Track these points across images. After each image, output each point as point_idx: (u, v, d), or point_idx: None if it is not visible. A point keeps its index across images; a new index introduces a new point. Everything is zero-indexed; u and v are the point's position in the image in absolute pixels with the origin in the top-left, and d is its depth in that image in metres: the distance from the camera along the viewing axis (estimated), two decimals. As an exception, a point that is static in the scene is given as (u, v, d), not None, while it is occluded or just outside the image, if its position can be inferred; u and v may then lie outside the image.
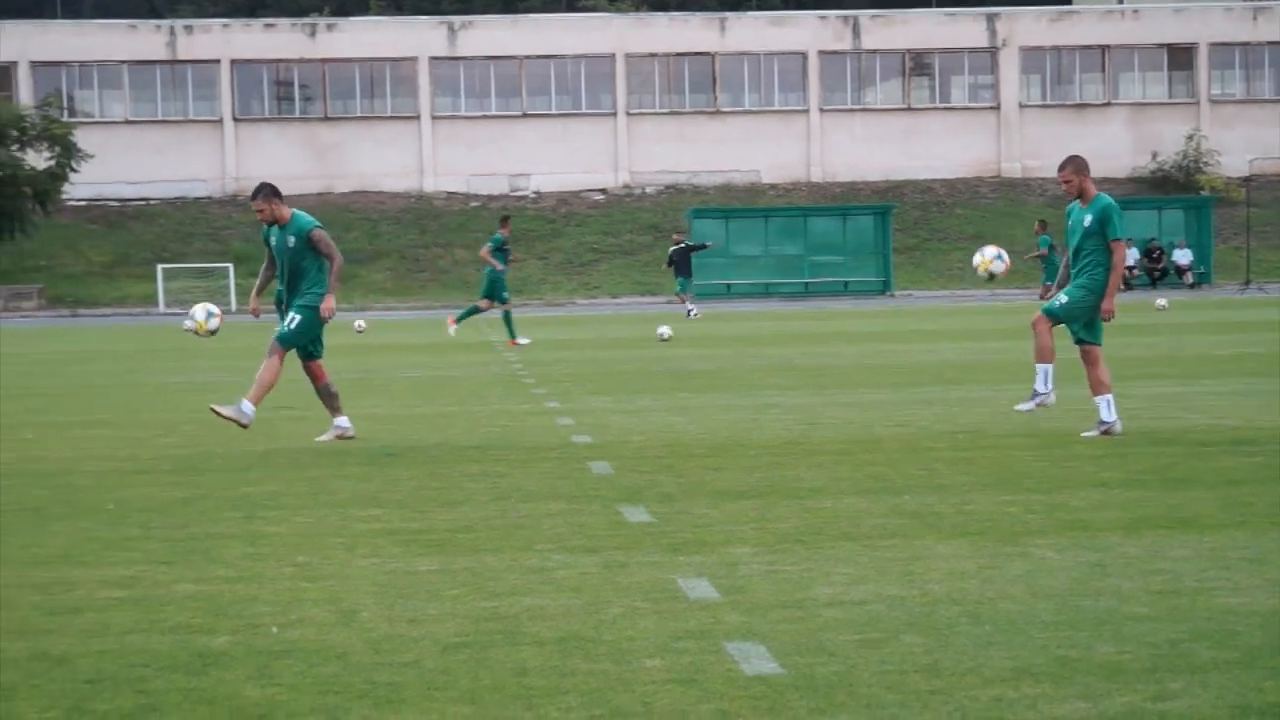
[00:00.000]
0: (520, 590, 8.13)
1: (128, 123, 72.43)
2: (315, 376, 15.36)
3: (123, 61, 72.62)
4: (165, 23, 75.51)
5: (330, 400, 15.31)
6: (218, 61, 72.75)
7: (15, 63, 71.78)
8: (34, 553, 9.46)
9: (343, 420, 15.28)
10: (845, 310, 51.40)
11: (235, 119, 72.75)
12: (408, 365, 26.15)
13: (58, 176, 62.76)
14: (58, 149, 63.21)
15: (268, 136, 72.78)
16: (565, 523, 10.10)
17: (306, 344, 15.21)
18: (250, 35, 73.70)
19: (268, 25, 74.64)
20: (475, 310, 33.04)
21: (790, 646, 6.87)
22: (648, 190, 73.84)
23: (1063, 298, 14.29)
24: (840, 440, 14.23)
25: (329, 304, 15.09)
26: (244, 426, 14.71)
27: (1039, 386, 14.52)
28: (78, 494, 11.82)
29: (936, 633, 7.06)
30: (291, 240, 15.08)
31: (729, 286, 63.62)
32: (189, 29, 73.81)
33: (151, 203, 71.14)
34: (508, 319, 31.92)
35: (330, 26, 73.99)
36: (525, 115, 73.82)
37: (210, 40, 72.96)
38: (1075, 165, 14.56)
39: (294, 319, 15.02)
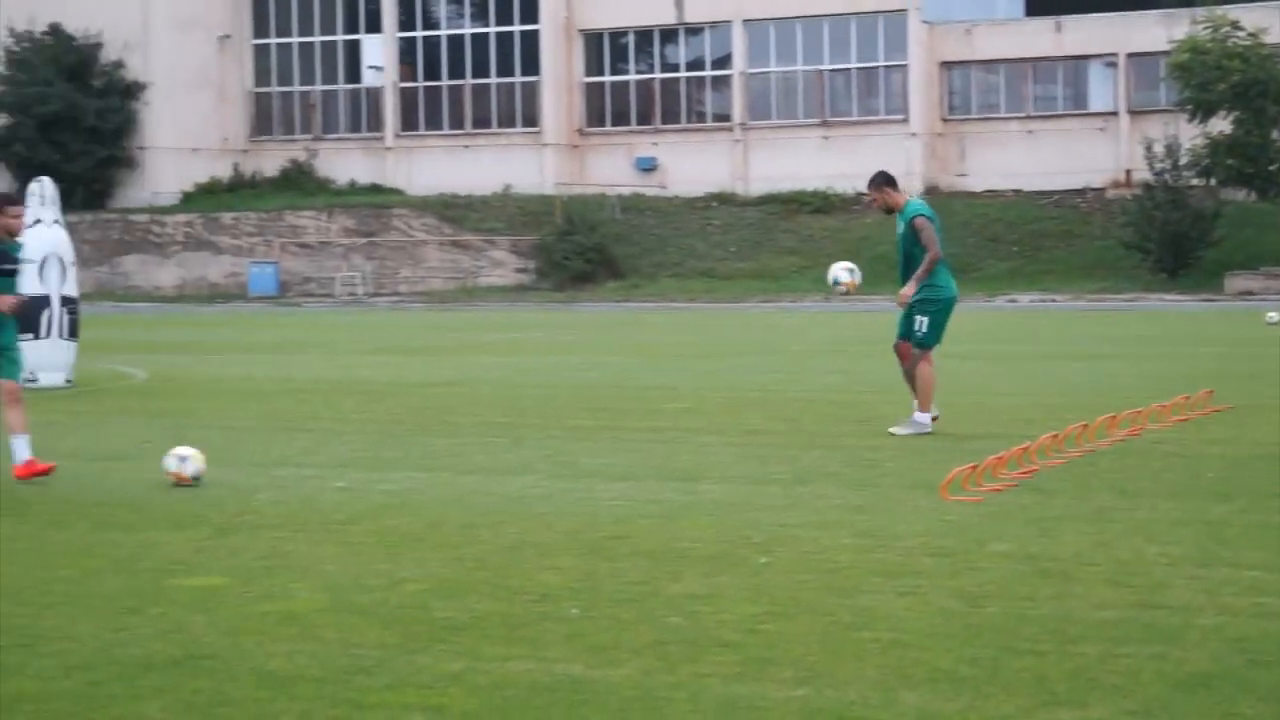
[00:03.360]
0: None
1: None
2: (903, 357, 15.47)
3: None
4: None
5: (914, 385, 15.31)
6: None
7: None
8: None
9: (923, 417, 15.17)
10: None
11: None
12: None
13: None
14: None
15: None
16: None
17: (914, 330, 15.34)
18: None
19: None
20: None
21: None
22: None
23: None
24: None
25: (904, 291, 15.28)
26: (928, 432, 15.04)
27: None
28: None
29: None
30: (901, 226, 15.40)
31: None
32: None
33: None
34: None
35: None
36: None
37: None
38: None
39: (922, 322, 15.25)
